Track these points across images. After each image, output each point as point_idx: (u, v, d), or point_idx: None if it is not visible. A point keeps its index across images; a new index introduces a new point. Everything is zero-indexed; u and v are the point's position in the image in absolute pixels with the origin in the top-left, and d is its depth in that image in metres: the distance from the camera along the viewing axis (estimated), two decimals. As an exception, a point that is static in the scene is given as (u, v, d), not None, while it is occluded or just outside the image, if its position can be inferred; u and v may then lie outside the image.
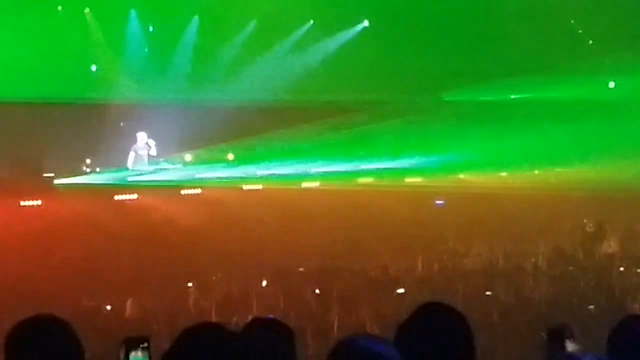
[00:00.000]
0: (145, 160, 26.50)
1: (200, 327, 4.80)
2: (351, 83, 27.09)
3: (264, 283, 18.65)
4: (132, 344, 5.84)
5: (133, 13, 25.98)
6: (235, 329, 5.42)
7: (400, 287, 17.32)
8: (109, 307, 17.08)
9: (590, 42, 28.27)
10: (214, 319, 14.25)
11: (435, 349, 5.35)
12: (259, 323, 6.26)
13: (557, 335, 6.67)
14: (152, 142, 26.36)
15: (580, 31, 27.83)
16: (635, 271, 18.57)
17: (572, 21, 27.27)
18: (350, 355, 4.88)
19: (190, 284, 18.64)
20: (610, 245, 20.83)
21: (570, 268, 18.69)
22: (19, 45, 23.95)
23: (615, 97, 30.29)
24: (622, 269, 18.74)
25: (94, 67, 26.20)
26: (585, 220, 22.87)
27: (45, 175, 24.44)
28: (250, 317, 7.53)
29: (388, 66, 27.51)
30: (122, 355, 5.80)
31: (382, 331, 12.48)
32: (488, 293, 16.77)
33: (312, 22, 27.54)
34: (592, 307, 15.17)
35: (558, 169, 29.64)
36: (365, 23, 28.07)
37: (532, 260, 19.97)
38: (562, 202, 25.10)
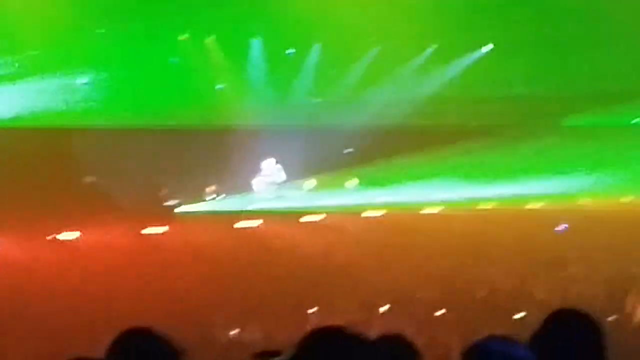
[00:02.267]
0: (272, 186, 26.81)
1: (328, 330, 4.87)
2: (474, 108, 27.10)
3: (385, 308, 18.75)
4: (264, 357, 6.11)
5: (256, 41, 26.19)
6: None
7: (520, 312, 17.35)
8: (233, 333, 17.37)
9: None
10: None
11: (570, 354, 5.47)
12: (386, 340, 6.38)
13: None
14: (279, 168, 26.68)
15: None
16: None
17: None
18: (488, 357, 4.96)
19: (311, 310, 18.86)
20: None
21: None
22: (143, 72, 24.30)
23: None
24: None
25: (219, 86, 26.31)
26: None
27: (167, 203, 24.86)
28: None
29: (510, 91, 27.50)
30: None
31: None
32: (610, 319, 16.56)
33: (435, 46, 27.50)
34: None
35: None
36: (491, 46, 27.96)
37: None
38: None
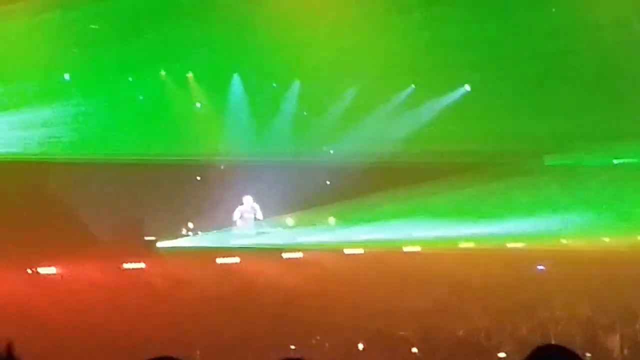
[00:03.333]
0: (251, 223, 26.91)
1: None
2: (454, 145, 27.20)
3: (362, 346, 18.75)
4: None
5: (236, 77, 26.30)
6: None
7: (501, 352, 17.40)
8: None
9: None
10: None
11: None
12: None
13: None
14: (257, 206, 26.79)
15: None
16: None
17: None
18: None
19: (292, 347, 18.87)
20: None
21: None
22: (123, 107, 24.39)
23: None
24: None
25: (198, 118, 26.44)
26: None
27: (147, 238, 24.88)
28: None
29: (492, 129, 27.64)
30: None
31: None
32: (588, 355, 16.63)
33: (413, 86, 27.68)
34: None
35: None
36: (467, 88, 28.17)
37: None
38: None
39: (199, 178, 25.15)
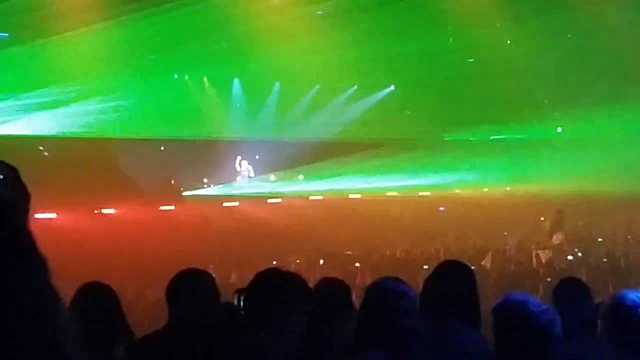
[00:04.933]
0: (246, 179, 26.96)
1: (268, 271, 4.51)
2: (380, 127, 27.42)
3: (322, 262, 18.78)
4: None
5: (236, 80, 26.23)
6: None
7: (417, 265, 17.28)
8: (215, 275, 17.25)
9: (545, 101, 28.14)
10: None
11: (447, 294, 5.25)
12: (323, 282, 6.17)
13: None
14: (250, 167, 26.83)
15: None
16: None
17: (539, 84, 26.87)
18: (382, 290, 4.79)
19: (274, 262, 18.79)
20: (559, 237, 20.78)
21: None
22: (161, 101, 24.25)
23: (562, 137, 30.48)
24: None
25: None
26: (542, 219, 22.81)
27: (177, 189, 24.97)
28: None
29: (407, 116, 27.77)
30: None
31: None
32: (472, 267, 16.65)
33: (356, 86, 27.71)
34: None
35: (519, 184, 29.60)
36: (392, 87, 28.16)
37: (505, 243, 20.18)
38: (526, 208, 25.17)
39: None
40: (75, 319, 4.70)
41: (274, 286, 4.36)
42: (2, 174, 2.92)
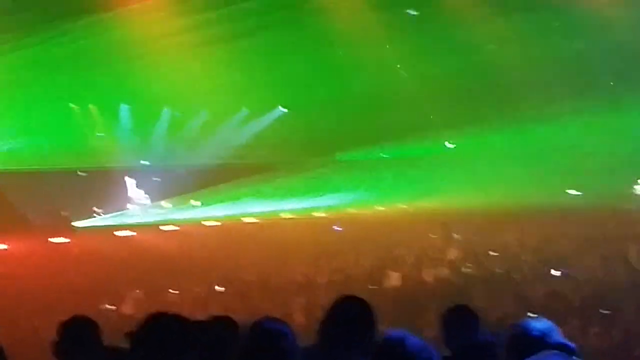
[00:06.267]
0: (139, 207, 26.71)
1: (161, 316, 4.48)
2: (272, 150, 27.50)
3: (222, 289, 18.57)
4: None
5: (124, 106, 25.93)
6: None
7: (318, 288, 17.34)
8: (113, 307, 16.96)
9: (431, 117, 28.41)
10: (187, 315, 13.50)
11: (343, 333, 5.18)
12: (213, 321, 6.04)
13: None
14: (145, 195, 26.61)
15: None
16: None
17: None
18: (260, 332, 4.67)
19: (175, 291, 18.58)
20: (453, 253, 21.07)
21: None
22: (48, 130, 23.85)
23: (451, 153, 30.98)
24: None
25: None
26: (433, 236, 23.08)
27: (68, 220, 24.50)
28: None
29: (298, 137, 27.80)
30: None
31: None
32: (372, 287, 16.72)
33: (245, 110, 27.68)
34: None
35: (413, 202, 29.91)
36: (282, 109, 28.18)
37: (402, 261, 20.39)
38: (420, 225, 25.43)
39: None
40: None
41: (164, 331, 4.33)
42: None
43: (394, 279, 17.84)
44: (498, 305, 13.21)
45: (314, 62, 24.12)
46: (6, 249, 22.08)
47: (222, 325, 5.94)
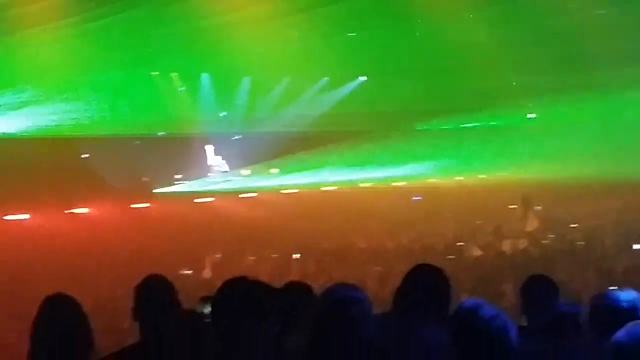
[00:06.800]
0: (219, 173, 26.93)
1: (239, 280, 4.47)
2: (353, 119, 27.34)
3: (298, 255, 18.64)
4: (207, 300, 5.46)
5: (205, 75, 26.09)
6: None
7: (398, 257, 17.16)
8: (190, 271, 17.21)
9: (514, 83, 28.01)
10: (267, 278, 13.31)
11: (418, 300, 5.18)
12: (290, 285, 6.00)
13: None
14: (223, 161, 26.80)
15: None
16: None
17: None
18: (333, 299, 4.60)
19: (251, 258, 18.75)
20: (533, 224, 20.86)
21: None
22: (133, 98, 24.21)
23: (533, 123, 30.61)
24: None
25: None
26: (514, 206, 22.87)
27: (149, 186, 24.85)
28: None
29: (378, 107, 27.71)
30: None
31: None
32: (450, 257, 16.58)
33: (326, 78, 27.64)
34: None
35: (493, 172, 29.67)
36: (364, 78, 28.07)
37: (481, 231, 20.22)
38: (499, 195, 25.24)
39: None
40: (41, 335, 4.67)
41: (242, 296, 4.33)
42: None
43: (472, 249, 17.70)
44: (579, 278, 13.04)
45: (395, 31, 23.89)
46: (89, 213, 22.53)
47: (297, 291, 5.87)
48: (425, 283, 5.26)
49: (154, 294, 5.53)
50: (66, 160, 21.92)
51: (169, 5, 20.05)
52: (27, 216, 20.97)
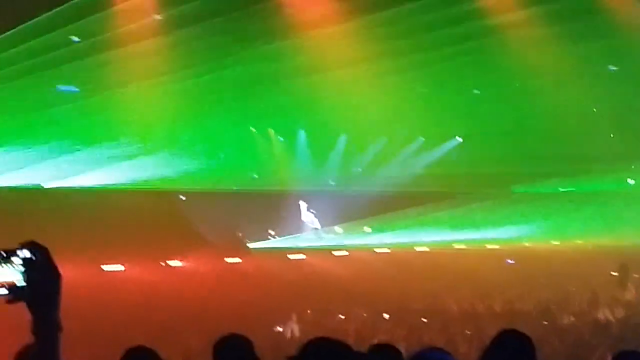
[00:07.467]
0: (311, 230, 26.99)
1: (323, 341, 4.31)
2: (447, 180, 27.14)
3: (387, 316, 18.53)
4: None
5: (302, 131, 26.28)
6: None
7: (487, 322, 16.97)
8: (280, 329, 17.22)
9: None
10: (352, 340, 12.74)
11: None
12: (377, 348, 5.84)
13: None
14: (316, 220, 26.88)
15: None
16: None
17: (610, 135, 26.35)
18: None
19: (341, 316, 18.70)
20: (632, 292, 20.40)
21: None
22: (227, 154, 24.50)
23: (632, 189, 30.00)
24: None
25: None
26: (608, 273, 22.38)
27: (243, 241, 25.05)
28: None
29: (475, 168, 27.47)
30: None
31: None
32: (544, 322, 16.38)
33: (422, 138, 27.56)
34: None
35: (589, 238, 29.15)
36: (459, 139, 27.91)
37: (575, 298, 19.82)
38: (595, 262, 24.73)
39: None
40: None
41: (324, 358, 4.25)
42: (32, 255, 2.84)
43: (565, 315, 17.35)
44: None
45: (491, 93, 23.81)
46: (184, 265, 22.77)
47: (385, 353, 5.71)
48: (510, 349, 5.21)
49: (232, 353, 5.49)
50: (161, 213, 22.20)
51: (269, 63, 20.34)
52: (122, 267, 21.25)
